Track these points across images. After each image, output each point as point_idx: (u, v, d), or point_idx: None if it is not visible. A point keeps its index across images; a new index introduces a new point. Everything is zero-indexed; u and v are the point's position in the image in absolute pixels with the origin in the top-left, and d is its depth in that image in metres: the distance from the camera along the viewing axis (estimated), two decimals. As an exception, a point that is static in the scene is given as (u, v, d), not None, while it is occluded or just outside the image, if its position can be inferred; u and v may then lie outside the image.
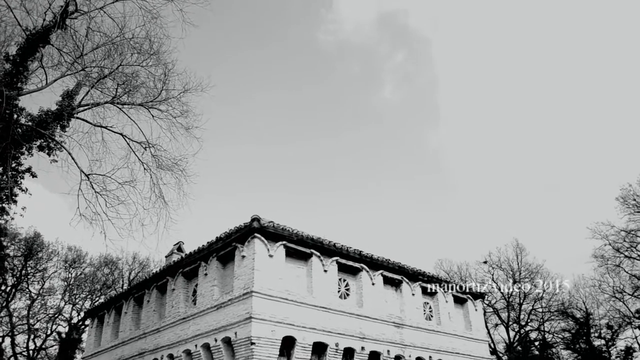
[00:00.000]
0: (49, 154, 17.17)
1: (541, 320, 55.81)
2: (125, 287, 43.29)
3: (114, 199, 18.19)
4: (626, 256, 51.82)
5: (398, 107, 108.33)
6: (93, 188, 18.09)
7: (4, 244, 36.64)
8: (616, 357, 52.76)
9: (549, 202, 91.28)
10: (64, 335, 43.58)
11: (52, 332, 45.19)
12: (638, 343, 52.79)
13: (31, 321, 43.41)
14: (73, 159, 17.64)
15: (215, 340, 17.56)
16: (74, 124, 18.04)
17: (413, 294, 21.95)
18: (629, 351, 51.87)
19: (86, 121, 18.15)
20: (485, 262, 56.37)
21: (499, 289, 56.24)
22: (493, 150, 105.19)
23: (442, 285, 23.50)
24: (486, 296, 30.31)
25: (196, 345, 18.44)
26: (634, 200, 50.39)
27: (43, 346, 44.79)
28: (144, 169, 18.67)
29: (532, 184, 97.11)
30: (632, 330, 52.99)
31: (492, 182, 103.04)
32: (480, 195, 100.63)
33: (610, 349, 53.45)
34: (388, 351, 19.91)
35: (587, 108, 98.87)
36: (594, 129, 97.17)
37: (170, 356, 19.84)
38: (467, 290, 24.98)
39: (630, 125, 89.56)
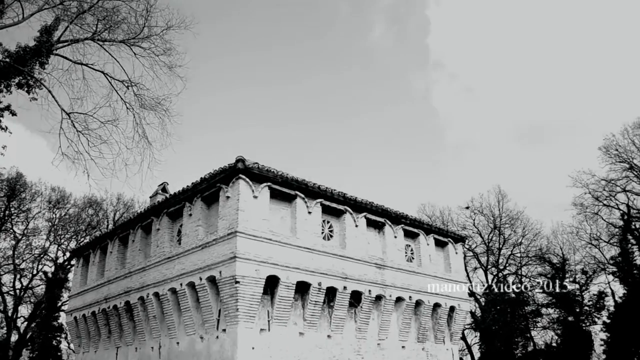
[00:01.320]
0: (28, 92, 16.76)
1: (519, 264, 57.41)
2: (110, 227, 43.46)
3: (96, 139, 17.97)
4: (605, 205, 52.97)
5: (387, 49, 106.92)
6: (75, 127, 17.80)
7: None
8: (589, 301, 54.77)
9: (533, 151, 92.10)
10: (50, 275, 44.01)
11: (38, 272, 45.60)
12: (610, 288, 54.71)
13: (17, 261, 43.69)
14: (53, 97, 17.27)
15: (200, 279, 17.85)
16: (53, 61, 17.60)
17: (395, 237, 22.34)
18: (601, 296, 53.80)
19: (66, 58, 17.68)
20: (467, 208, 57.29)
21: (480, 234, 57.52)
22: (480, 97, 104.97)
23: (424, 228, 23.91)
24: (466, 240, 30.92)
25: (181, 284, 18.75)
26: (616, 150, 51.03)
27: (29, 285, 45.29)
28: (127, 108, 18.38)
29: (517, 132, 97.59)
30: (606, 276, 54.74)
31: (478, 129, 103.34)
32: (465, 141, 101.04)
33: (583, 294, 55.36)
34: (369, 291, 20.44)
35: (575, 58, 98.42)
36: (582, 80, 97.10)
37: (156, 294, 20.18)
38: (448, 234, 25.47)
39: (617, 76, 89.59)
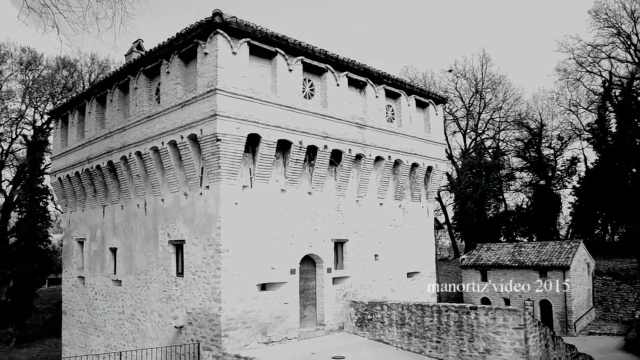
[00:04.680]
0: None
1: (497, 129, 58.45)
2: (86, 89, 42.72)
3: (62, -10, 16.88)
4: (587, 71, 52.91)
5: None
6: (38, -23, 16.62)
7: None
8: (561, 166, 56.81)
9: (520, 13, 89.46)
10: (29, 138, 43.78)
11: (17, 136, 45.28)
12: (584, 154, 56.56)
13: (-6, 125, 43.14)
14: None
15: (182, 138, 17.85)
16: None
17: (377, 96, 22.22)
18: (573, 161, 55.75)
19: None
20: (450, 71, 56.84)
21: (461, 98, 57.66)
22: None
23: (405, 88, 23.74)
24: (447, 103, 30.94)
25: (163, 143, 18.77)
26: (606, 14, 49.88)
27: (10, 149, 45.17)
28: (93, -45, 17.07)
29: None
30: (580, 142, 56.35)
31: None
32: (452, 3, 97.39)
33: (557, 159, 57.26)
34: (350, 150, 20.75)
35: None
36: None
37: (138, 153, 20.28)
38: (430, 95, 25.38)
39: None
